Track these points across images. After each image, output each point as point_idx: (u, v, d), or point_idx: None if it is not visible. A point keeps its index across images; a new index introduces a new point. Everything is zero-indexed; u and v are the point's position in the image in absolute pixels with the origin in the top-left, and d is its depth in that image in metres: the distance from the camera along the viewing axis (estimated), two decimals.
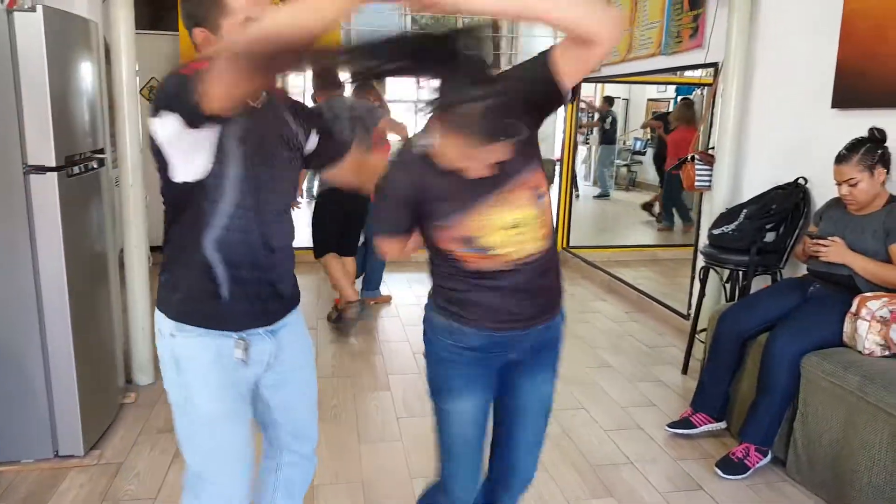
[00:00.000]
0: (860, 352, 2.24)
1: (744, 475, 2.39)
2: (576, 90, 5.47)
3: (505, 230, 1.32)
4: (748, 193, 3.20)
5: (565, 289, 1.52)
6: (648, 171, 8.15)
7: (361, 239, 4.03)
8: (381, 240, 1.41)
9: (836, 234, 2.45)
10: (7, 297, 2.22)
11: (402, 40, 1.06)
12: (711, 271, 3.24)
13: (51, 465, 2.34)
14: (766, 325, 2.54)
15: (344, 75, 1.12)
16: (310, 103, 4.65)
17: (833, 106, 2.78)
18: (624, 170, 8.85)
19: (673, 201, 6.56)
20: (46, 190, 2.18)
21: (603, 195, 8.41)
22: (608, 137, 8.28)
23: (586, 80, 5.50)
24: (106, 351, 2.64)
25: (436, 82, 1.14)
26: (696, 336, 3.32)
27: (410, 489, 2.30)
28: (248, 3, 1.23)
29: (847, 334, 2.30)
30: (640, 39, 4.37)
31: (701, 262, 3.27)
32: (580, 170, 7.94)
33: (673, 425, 2.71)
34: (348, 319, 3.78)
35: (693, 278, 3.75)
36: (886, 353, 2.21)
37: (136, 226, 2.94)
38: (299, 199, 5.86)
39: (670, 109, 7.47)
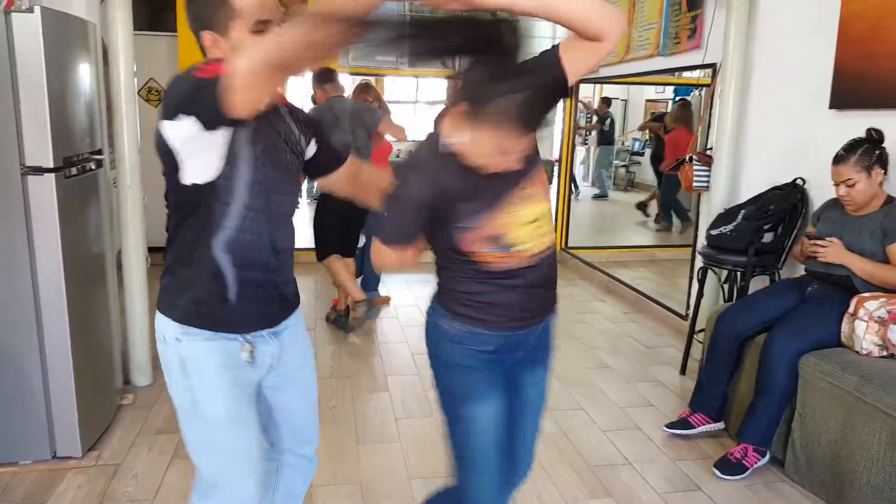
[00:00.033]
0: (858, 352, 2.24)
1: (742, 475, 2.39)
2: (573, 90, 5.47)
3: (527, 225, 1.33)
4: (746, 194, 3.20)
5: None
6: (647, 172, 8.15)
7: (362, 240, 4.03)
8: (386, 249, 1.33)
9: (833, 235, 2.45)
10: (5, 298, 2.21)
11: (455, 22, 1.08)
12: (710, 272, 3.24)
13: (48, 467, 2.33)
14: (764, 325, 2.54)
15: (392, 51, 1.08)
16: (310, 104, 4.67)
17: (831, 107, 2.79)
18: (622, 170, 8.86)
19: (671, 202, 6.57)
20: (44, 191, 2.18)
21: (602, 196, 8.42)
22: (606, 138, 8.29)
23: (584, 80, 5.51)
24: (104, 352, 2.64)
25: (471, 76, 1.15)
26: (695, 336, 3.32)
27: (409, 490, 2.30)
28: (256, 5, 1.23)
29: (845, 335, 2.30)
30: (638, 40, 4.37)
31: (699, 262, 3.27)
32: (579, 171, 7.95)
33: (671, 426, 2.71)
34: (356, 319, 3.78)
35: (691, 279, 3.75)
36: (884, 353, 2.21)
37: (134, 227, 2.93)
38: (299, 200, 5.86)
39: (669, 110, 7.48)
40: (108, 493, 2.22)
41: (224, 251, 1.27)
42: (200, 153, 1.20)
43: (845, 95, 2.72)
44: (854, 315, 2.26)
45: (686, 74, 5.43)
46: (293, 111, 1.43)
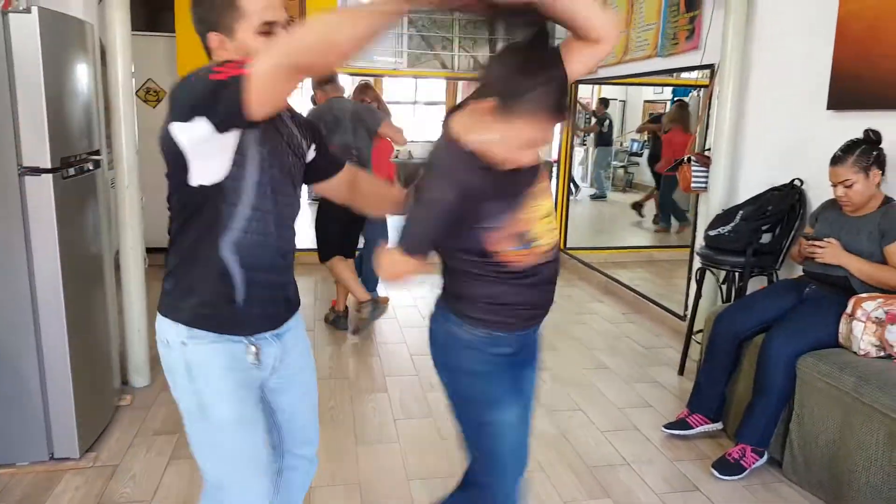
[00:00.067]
0: (855, 353, 2.24)
1: (740, 476, 2.39)
2: (571, 91, 5.48)
3: (542, 220, 1.34)
4: (744, 195, 3.21)
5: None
6: (645, 173, 8.16)
7: (360, 241, 4.03)
8: (406, 259, 1.26)
9: (831, 236, 2.46)
10: (2, 299, 2.21)
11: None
12: (708, 272, 3.24)
13: (46, 468, 2.33)
14: (762, 326, 2.54)
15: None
16: (310, 105, 4.66)
17: (829, 107, 2.79)
18: (621, 171, 8.87)
19: (667, 202, 6.58)
20: (42, 192, 2.17)
21: (600, 196, 8.43)
22: (604, 139, 8.30)
23: (583, 81, 5.51)
24: (102, 353, 2.63)
25: (501, 69, 1.17)
26: (693, 337, 3.32)
27: (407, 490, 2.30)
28: (263, 6, 1.23)
29: (842, 335, 2.30)
30: (636, 41, 4.38)
31: (697, 263, 3.28)
32: (577, 171, 7.96)
33: (669, 426, 2.71)
34: (362, 320, 3.77)
35: (689, 279, 3.75)
36: (882, 353, 2.21)
37: (132, 227, 2.93)
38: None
39: (667, 111, 7.49)
40: (105, 495, 2.22)
41: (232, 252, 1.27)
42: (211, 155, 1.19)
43: (843, 96, 2.73)
44: (852, 316, 2.26)
45: (684, 75, 5.44)
46: (294, 115, 1.43)
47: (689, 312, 3.41)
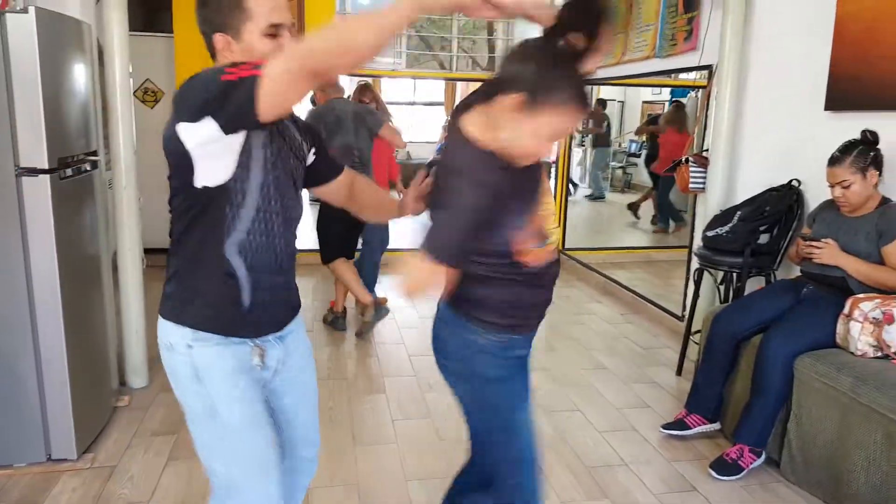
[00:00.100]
0: (853, 353, 2.25)
1: (738, 476, 2.39)
2: None
3: (550, 216, 1.36)
4: (742, 195, 3.21)
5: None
6: (643, 173, 8.16)
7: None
8: (440, 268, 1.19)
9: (829, 236, 2.46)
10: None
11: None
12: (706, 273, 3.24)
13: (43, 469, 2.32)
14: (759, 326, 2.54)
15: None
16: (310, 105, 4.66)
17: (826, 108, 2.79)
18: (619, 172, 8.86)
19: (664, 203, 6.58)
20: (39, 192, 2.17)
21: (598, 197, 8.43)
22: (602, 140, 8.30)
23: None
24: (99, 354, 2.63)
25: (529, 65, 1.17)
26: (691, 337, 3.32)
27: (405, 491, 2.30)
28: (270, 8, 1.24)
29: (840, 335, 2.31)
30: (634, 42, 4.38)
31: (695, 263, 3.28)
32: (576, 172, 7.96)
33: (667, 426, 2.71)
34: (365, 323, 3.77)
35: (687, 280, 3.76)
36: (879, 354, 2.22)
37: (130, 228, 2.92)
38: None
39: (665, 112, 7.49)
40: (103, 496, 2.21)
41: (237, 254, 1.26)
42: (217, 156, 1.19)
43: (841, 97, 2.73)
44: (849, 316, 2.26)
45: (682, 76, 5.44)
46: (294, 118, 1.43)
47: (687, 313, 3.42)
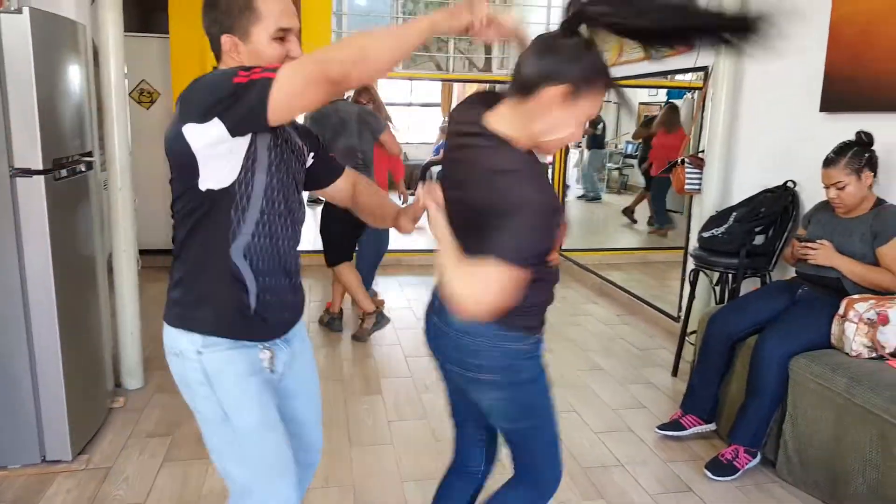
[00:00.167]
0: (848, 354, 2.25)
1: (733, 476, 2.40)
2: None
3: None
4: (738, 196, 3.22)
5: None
6: (640, 175, 8.18)
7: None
8: (512, 271, 1.11)
9: (824, 238, 2.47)
10: None
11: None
12: (701, 274, 3.25)
13: (38, 471, 2.32)
14: (755, 327, 2.55)
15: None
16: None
17: (821, 110, 2.80)
18: (615, 173, 8.88)
19: (658, 204, 6.60)
20: (33, 193, 2.16)
21: (594, 198, 8.44)
22: (598, 142, 8.32)
23: None
24: (94, 355, 2.62)
25: (591, 52, 1.20)
26: (686, 338, 3.33)
27: (401, 492, 2.30)
28: (279, 11, 1.24)
29: (835, 336, 2.31)
30: (630, 43, 4.38)
31: (691, 264, 3.29)
32: (572, 173, 7.97)
33: (663, 427, 2.72)
34: (363, 329, 3.76)
35: (683, 281, 3.76)
36: (873, 354, 2.23)
37: (125, 229, 2.91)
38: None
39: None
40: (98, 497, 2.21)
41: (243, 258, 1.26)
42: (223, 158, 1.19)
43: (836, 99, 2.74)
44: (844, 317, 2.27)
45: (679, 77, 5.46)
46: (294, 123, 1.44)
47: (682, 314, 3.42)
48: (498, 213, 1.15)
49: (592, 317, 4.39)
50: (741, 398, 2.47)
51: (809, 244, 2.47)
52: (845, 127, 2.53)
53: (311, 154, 1.46)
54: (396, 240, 4.43)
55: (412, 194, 4.28)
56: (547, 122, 1.22)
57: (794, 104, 2.99)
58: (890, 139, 2.47)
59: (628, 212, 7.25)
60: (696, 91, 4.78)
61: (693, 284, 3.27)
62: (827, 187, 2.43)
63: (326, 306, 4.07)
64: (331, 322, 3.94)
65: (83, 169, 2.48)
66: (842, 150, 2.39)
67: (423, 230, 1.65)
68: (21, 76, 2.09)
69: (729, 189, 3.37)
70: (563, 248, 5.72)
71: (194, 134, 1.14)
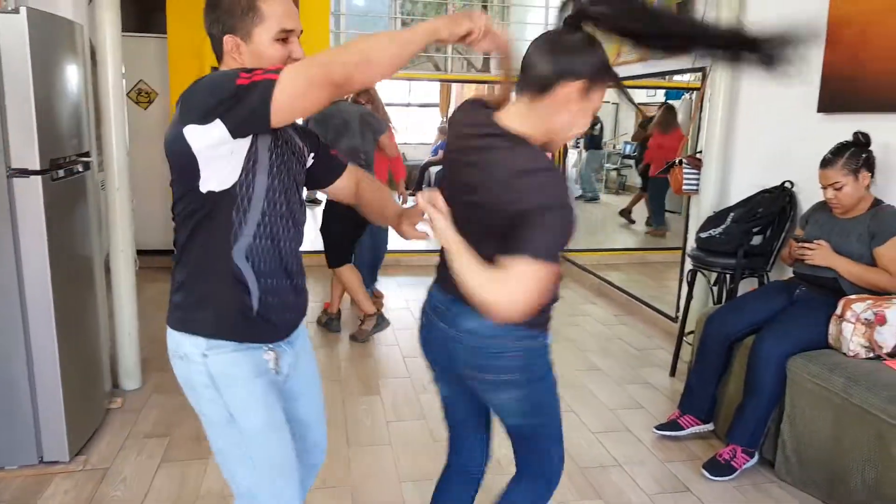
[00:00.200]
0: (845, 354, 2.26)
1: (730, 476, 2.40)
2: None
3: None
4: (735, 197, 3.22)
5: None
6: (637, 175, 8.19)
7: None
8: (548, 267, 1.13)
9: (821, 238, 2.47)
10: None
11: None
12: (699, 274, 3.25)
13: (35, 472, 2.31)
14: (752, 327, 2.55)
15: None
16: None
17: (819, 110, 2.81)
18: (614, 173, 8.88)
19: (656, 204, 6.61)
20: (30, 194, 2.16)
21: (593, 199, 8.44)
22: (595, 143, 8.33)
23: None
24: (92, 356, 2.62)
25: (596, 51, 1.24)
26: (684, 338, 3.33)
27: (399, 493, 2.30)
28: (283, 13, 1.25)
29: (832, 336, 2.32)
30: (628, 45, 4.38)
31: (689, 265, 3.29)
32: (571, 174, 7.97)
33: (660, 427, 2.72)
34: (364, 330, 3.75)
35: (681, 281, 3.77)
36: (871, 354, 2.23)
37: (123, 229, 2.91)
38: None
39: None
40: (95, 498, 2.20)
41: (245, 259, 1.26)
42: (224, 159, 1.19)
43: (833, 99, 2.75)
44: (841, 317, 2.27)
45: (677, 78, 5.46)
46: (294, 123, 1.43)
47: (680, 314, 3.43)
48: (528, 212, 1.15)
49: (590, 317, 4.39)
50: (739, 398, 2.47)
51: (807, 244, 2.48)
52: (843, 127, 2.54)
53: (312, 154, 1.46)
54: (395, 241, 4.43)
55: (411, 194, 4.29)
56: (565, 118, 1.25)
57: (791, 105, 2.99)
58: (887, 140, 2.47)
59: (625, 213, 7.25)
60: (694, 92, 4.79)
61: (691, 285, 3.28)
62: (824, 188, 2.44)
63: (325, 307, 4.06)
64: (329, 322, 3.94)
65: (80, 169, 2.48)
66: (839, 150, 2.40)
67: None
68: (18, 76, 2.08)
69: (726, 189, 3.37)
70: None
71: (195, 135, 1.14)
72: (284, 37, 1.25)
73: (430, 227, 1.23)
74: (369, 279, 4.41)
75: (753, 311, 2.60)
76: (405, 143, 5.11)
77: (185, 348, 1.29)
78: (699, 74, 3.64)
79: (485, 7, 7.69)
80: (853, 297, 2.30)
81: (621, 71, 4.76)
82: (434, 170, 7.75)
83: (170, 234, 1.37)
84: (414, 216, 1.46)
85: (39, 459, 2.33)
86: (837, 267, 2.40)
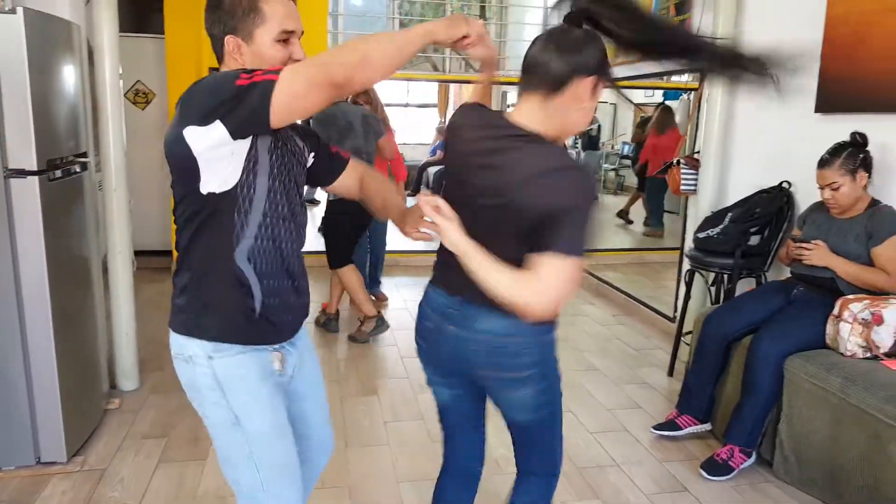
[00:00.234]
0: (842, 354, 2.26)
1: (728, 476, 2.40)
2: None
3: None
4: (733, 197, 3.23)
5: None
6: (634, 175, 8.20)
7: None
8: (578, 262, 1.15)
9: (819, 238, 2.48)
10: None
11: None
12: (697, 274, 3.26)
13: (33, 472, 2.31)
14: (750, 327, 2.56)
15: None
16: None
17: (816, 111, 2.81)
18: (612, 174, 8.89)
19: (654, 204, 6.61)
20: (28, 194, 2.15)
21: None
22: (592, 143, 8.34)
23: None
24: (89, 356, 2.61)
25: (600, 49, 1.26)
26: (682, 338, 3.34)
27: (397, 493, 2.30)
28: (285, 14, 1.25)
29: (829, 336, 2.32)
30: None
31: (686, 265, 3.29)
32: None
33: (658, 427, 2.72)
34: (365, 331, 3.75)
35: (679, 281, 3.77)
36: (868, 354, 2.23)
37: (120, 230, 2.91)
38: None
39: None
40: (93, 499, 2.20)
41: (247, 261, 1.26)
42: (224, 160, 1.19)
43: (830, 100, 2.75)
44: (839, 317, 2.28)
45: (675, 78, 5.47)
46: (293, 124, 1.43)
47: (678, 314, 3.43)
48: (558, 210, 1.16)
49: (588, 317, 4.39)
50: (736, 398, 2.48)
51: (804, 245, 2.48)
52: (840, 128, 2.54)
53: (312, 154, 1.46)
54: (393, 241, 4.43)
55: (411, 195, 4.29)
56: (578, 113, 1.27)
57: (789, 105, 3.00)
58: (884, 140, 2.48)
59: (623, 214, 7.26)
60: (692, 92, 4.80)
61: (689, 285, 3.28)
62: (822, 188, 2.44)
63: (323, 307, 4.06)
64: (327, 323, 3.94)
65: (78, 170, 2.48)
66: (836, 150, 2.40)
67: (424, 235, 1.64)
68: (15, 77, 2.08)
69: (724, 190, 3.38)
70: None
71: (195, 137, 1.14)
72: (286, 38, 1.25)
73: (438, 234, 1.23)
74: (370, 281, 4.41)
75: (751, 311, 2.60)
76: (404, 144, 5.11)
77: (189, 351, 1.29)
78: (697, 75, 3.64)
79: (483, 7, 7.69)
80: (850, 297, 2.30)
81: (620, 71, 4.78)
82: (432, 170, 7.75)
83: (167, 235, 1.37)
84: (415, 218, 1.46)
85: (37, 460, 2.33)
86: (835, 267, 2.40)
